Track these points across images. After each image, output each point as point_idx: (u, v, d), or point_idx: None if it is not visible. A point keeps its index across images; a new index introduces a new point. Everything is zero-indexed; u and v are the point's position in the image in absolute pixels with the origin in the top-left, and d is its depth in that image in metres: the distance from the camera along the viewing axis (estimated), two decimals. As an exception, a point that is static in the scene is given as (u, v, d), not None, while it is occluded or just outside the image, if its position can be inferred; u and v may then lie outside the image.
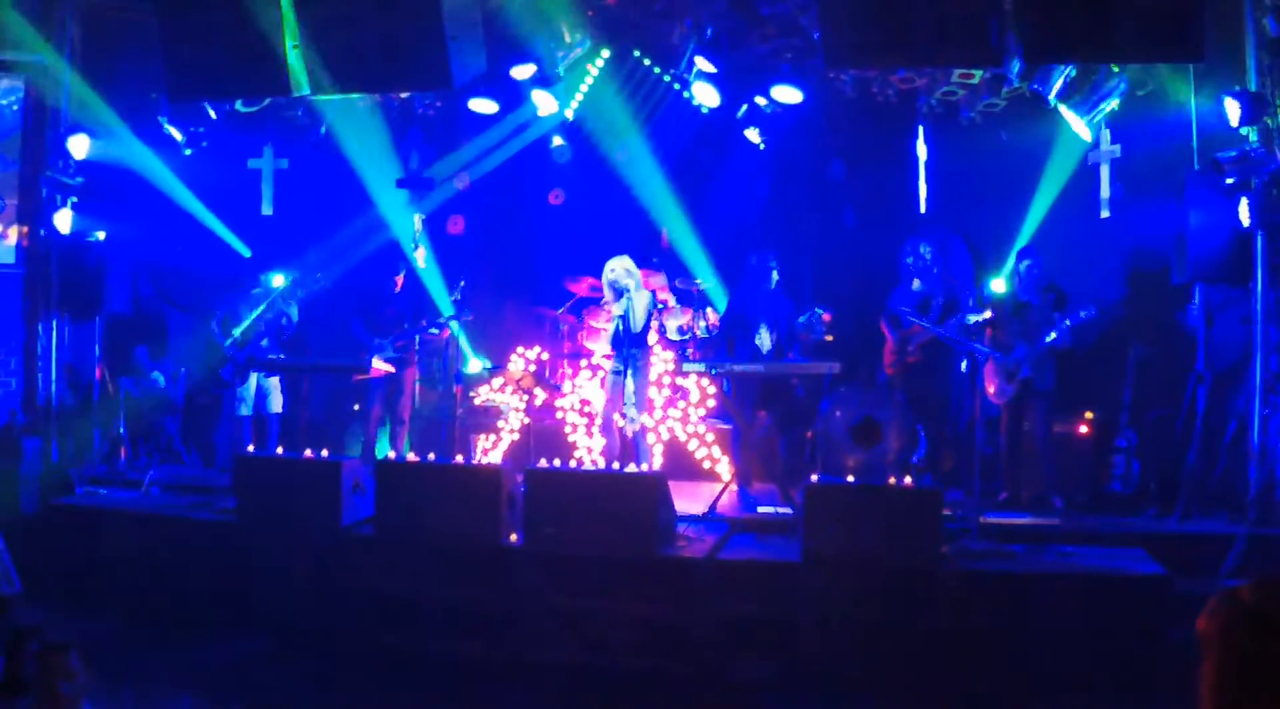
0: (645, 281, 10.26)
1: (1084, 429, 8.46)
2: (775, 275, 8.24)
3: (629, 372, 8.39)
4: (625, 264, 8.46)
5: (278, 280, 9.54)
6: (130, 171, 9.71)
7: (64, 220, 9.49)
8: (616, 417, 8.58)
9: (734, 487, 8.08)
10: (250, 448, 8.58)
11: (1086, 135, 8.25)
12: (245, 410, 9.11)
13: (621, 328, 8.38)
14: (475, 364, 9.86)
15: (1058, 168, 8.79)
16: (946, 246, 9.66)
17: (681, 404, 9.47)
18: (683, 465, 9.23)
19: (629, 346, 8.37)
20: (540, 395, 9.61)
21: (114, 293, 9.73)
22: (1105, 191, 8.33)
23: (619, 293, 8.41)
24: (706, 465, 9.28)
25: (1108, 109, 8.09)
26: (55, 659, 3.49)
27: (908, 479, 6.53)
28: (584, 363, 9.94)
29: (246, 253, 9.89)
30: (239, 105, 9.61)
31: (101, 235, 9.63)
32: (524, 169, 10.62)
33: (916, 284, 8.75)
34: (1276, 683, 1.80)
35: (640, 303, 8.39)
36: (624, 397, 8.35)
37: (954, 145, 9.03)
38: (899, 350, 8.75)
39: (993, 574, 6.32)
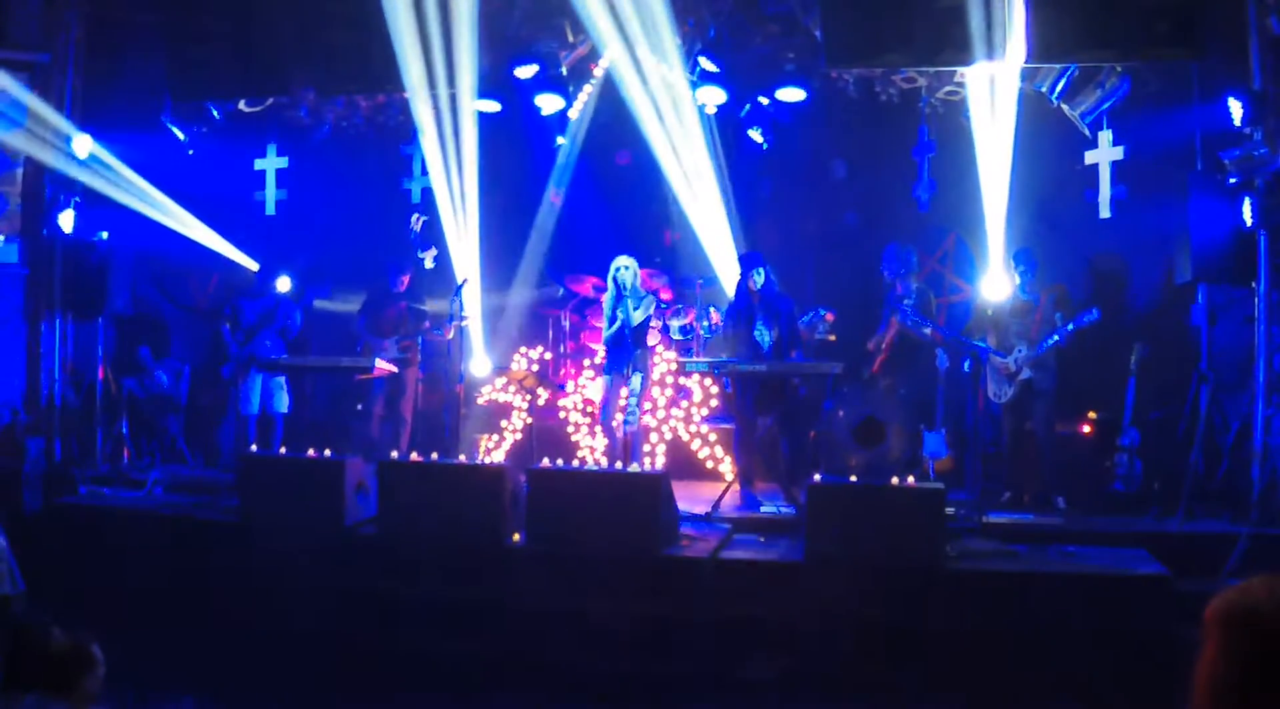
0: (647, 282, 10.29)
1: (1087, 429, 8.46)
2: (762, 277, 8.23)
3: (630, 372, 8.41)
4: (633, 264, 8.49)
5: (282, 283, 9.54)
6: (133, 172, 9.72)
7: (67, 220, 9.50)
8: (619, 416, 8.60)
9: (736, 486, 8.07)
10: (253, 447, 8.59)
11: (1088, 135, 8.27)
12: (251, 409, 9.11)
13: (623, 329, 8.40)
14: (484, 365, 9.84)
15: (1060, 168, 8.79)
16: (950, 246, 9.68)
17: (684, 404, 9.47)
18: (685, 465, 9.23)
19: (632, 347, 8.39)
20: (543, 395, 9.61)
21: (117, 292, 9.75)
22: (1107, 191, 8.32)
23: (622, 292, 8.42)
24: (709, 465, 9.28)
25: (1110, 109, 8.10)
26: (80, 651, 3.49)
27: (910, 479, 6.52)
28: (587, 362, 9.94)
29: (254, 266, 9.90)
30: (242, 105, 9.64)
31: (105, 235, 9.65)
32: (526, 169, 10.62)
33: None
34: (1271, 685, 1.80)
35: (642, 303, 8.41)
36: (623, 397, 8.38)
37: (956, 145, 9.03)
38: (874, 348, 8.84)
39: (995, 574, 6.31)
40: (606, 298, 8.56)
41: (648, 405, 9.36)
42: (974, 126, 8.30)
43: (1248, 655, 1.84)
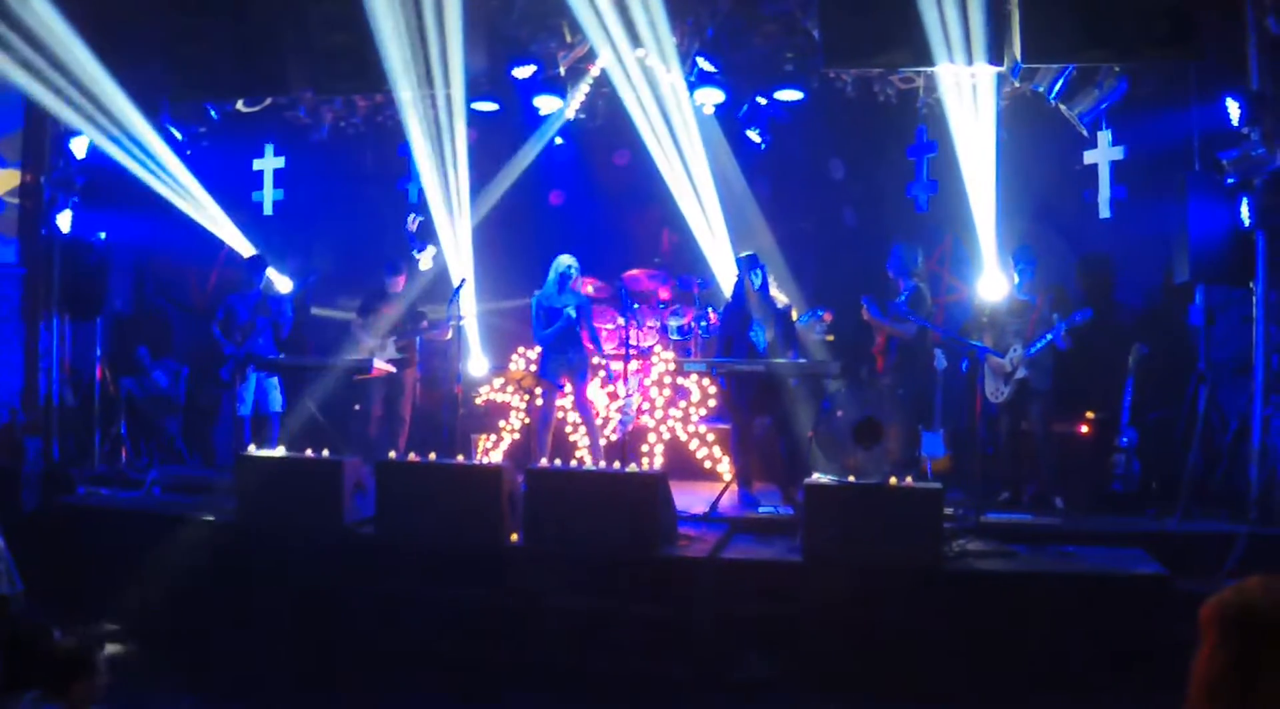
0: (645, 283, 10.30)
1: (1085, 429, 8.45)
2: (759, 278, 8.24)
3: (574, 377, 8.62)
4: (575, 262, 8.70)
5: (276, 280, 9.52)
6: (132, 171, 9.70)
7: (65, 220, 9.49)
8: (615, 416, 8.65)
9: (735, 486, 8.07)
10: (250, 447, 8.57)
11: (1086, 135, 8.27)
12: (245, 409, 9.08)
13: (571, 325, 8.56)
14: (481, 365, 9.84)
15: (1059, 168, 8.79)
16: (948, 247, 9.67)
17: (682, 404, 9.46)
18: (684, 465, 9.22)
19: (576, 351, 8.59)
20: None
21: (115, 292, 9.74)
22: (1106, 191, 8.32)
23: (563, 290, 8.56)
24: (707, 465, 9.27)
25: (1108, 109, 8.10)
26: (80, 653, 3.48)
27: (909, 479, 6.52)
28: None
29: (249, 252, 9.85)
30: (240, 105, 9.62)
31: (103, 235, 9.63)
32: (525, 169, 10.61)
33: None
34: (1266, 683, 1.81)
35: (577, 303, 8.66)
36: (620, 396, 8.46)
37: (953, 145, 9.03)
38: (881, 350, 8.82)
39: (993, 574, 6.31)
40: (545, 295, 8.71)
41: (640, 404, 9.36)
42: (954, 126, 8.29)
43: (1243, 654, 1.84)
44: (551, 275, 8.70)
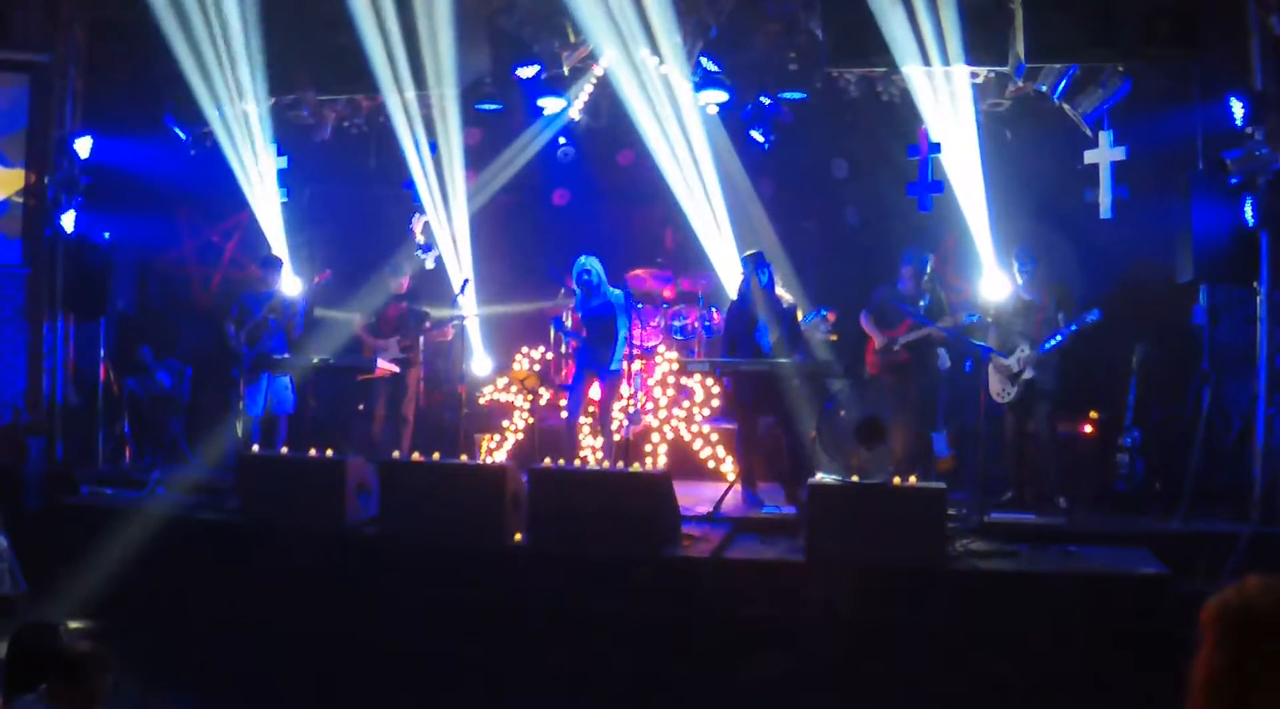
0: (648, 282, 10.29)
1: (1088, 429, 8.45)
2: (765, 276, 8.24)
3: (599, 373, 8.61)
4: (598, 263, 8.69)
5: (286, 280, 9.52)
6: (135, 172, 9.71)
7: (69, 220, 9.50)
8: (619, 416, 8.63)
9: (738, 486, 8.07)
10: (255, 447, 8.57)
11: (1090, 134, 8.26)
12: (256, 410, 9.07)
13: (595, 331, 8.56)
14: (484, 364, 9.84)
15: (1061, 167, 8.77)
16: (951, 246, 9.66)
17: (686, 404, 9.46)
18: (687, 465, 9.21)
19: (605, 349, 8.58)
20: (544, 394, 9.60)
21: (119, 292, 9.73)
22: (1109, 191, 8.30)
23: (595, 288, 8.54)
24: (711, 465, 9.26)
25: (1111, 108, 8.09)
26: (86, 654, 3.49)
27: (912, 479, 6.52)
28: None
29: (284, 250, 9.82)
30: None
31: (107, 235, 9.64)
32: (528, 169, 10.61)
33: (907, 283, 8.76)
34: (1266, 683, 1.81)
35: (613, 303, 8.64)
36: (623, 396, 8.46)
37: (954, 145, 9.01)
38: (884, 350, 8.72)
39: (997, 573, 6.32)
40: (576, 298, 8.77)
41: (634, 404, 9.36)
42: (953, 126, 8.29)
43: (1243, 654, 1.84)
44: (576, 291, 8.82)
